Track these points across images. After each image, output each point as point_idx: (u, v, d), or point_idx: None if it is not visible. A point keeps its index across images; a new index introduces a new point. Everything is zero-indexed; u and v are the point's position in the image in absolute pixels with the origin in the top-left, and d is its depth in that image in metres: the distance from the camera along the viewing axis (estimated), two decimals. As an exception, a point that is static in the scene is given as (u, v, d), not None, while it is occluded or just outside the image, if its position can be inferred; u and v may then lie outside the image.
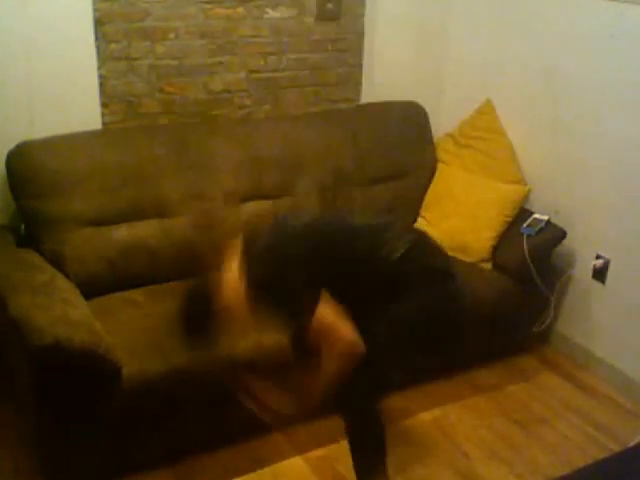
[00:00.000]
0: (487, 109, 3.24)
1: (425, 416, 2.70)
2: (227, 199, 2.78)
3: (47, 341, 1.96)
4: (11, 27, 2.48)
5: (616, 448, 2.56)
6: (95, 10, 2.62)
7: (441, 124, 3.43)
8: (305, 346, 2.09)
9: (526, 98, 3.15)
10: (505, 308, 2.91)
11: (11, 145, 2.50)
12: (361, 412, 2.09)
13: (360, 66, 3.29)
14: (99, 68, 2.69)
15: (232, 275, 2.00)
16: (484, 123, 3.21)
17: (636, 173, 2.76)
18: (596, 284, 2.98)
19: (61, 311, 2.12)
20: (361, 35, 3.24)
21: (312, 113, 3.18)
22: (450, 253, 2.96)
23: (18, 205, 2.54)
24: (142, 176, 2.64)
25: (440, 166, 3.24)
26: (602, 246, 2.93)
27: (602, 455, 2.45)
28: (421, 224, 3.14)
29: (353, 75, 3.29)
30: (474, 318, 2.83)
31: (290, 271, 1.97)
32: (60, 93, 2.62)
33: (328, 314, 1.95)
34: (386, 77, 3.35)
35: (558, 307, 3.11)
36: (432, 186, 3.20)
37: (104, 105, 2.75)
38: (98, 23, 2.64)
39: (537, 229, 2.92)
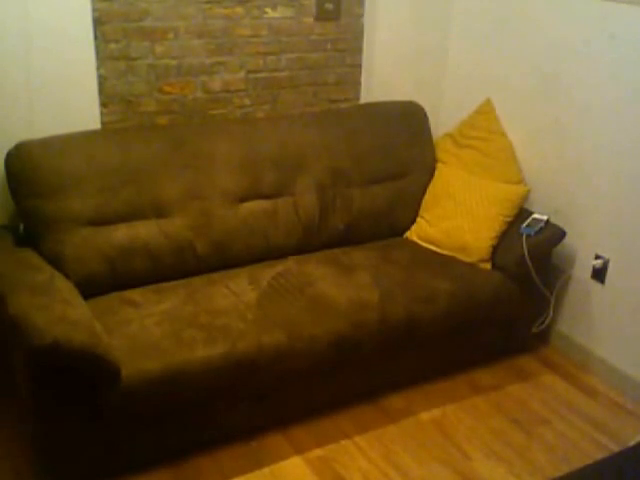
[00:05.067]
0: (487, 109, 3.24)
1: (425, 416, 2.70)
2: (226, 199, 2.77)
3: (46, 341, 1.96)
4: (11, 27, 2.48)
5: (616, 448, 2.55)
6: (94, 10, 2.62)
7: (441, 124, 3.43)
8: None
9: (526, 98, 3.14)
10: (504, 308, 2.91)
11: (10, 145, 2.50)
12: None
13: (359, 66, 3.29)
14: (98, 68, 2.69)
15: None
16: (484, 123, 3.21)
17: (635, 173, 2.76)
18: (595, 284, 2.98)
19: (60, 311, 2.11)
20: (360, 35, 3.24)
21: (311, 113, 3.18)
22: (449, 253, 3.00)
23: (17, 205, 2.53)
24: (141, 176, 2.63)
25: (439, 166, 3.24)
26: (601, 246, 2.93)
27: (602, 455, 2.45)
28: (420, 224, 3.14)
29: (352, 75, 3.29)
30: (474, 318, 2.85)
31: None
32: (59, 93, 2.62)
33: None
34: (385, 77, 3.35)
35: (557, 307, 3.11)
36: (431, 186, 3.20)
37: (103, 105, 2.75)
38: (97, 23, 2.64)
39: (536, 229, 2.91)
